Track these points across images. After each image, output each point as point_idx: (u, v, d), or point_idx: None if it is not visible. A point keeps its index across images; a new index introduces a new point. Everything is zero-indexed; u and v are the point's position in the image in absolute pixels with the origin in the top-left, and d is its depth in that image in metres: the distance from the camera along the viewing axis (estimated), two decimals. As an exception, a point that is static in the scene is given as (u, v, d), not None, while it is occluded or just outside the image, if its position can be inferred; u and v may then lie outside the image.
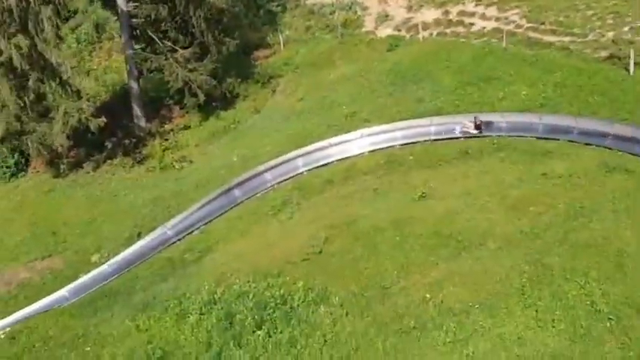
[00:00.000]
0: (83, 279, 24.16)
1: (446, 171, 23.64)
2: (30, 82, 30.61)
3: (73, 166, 32.58)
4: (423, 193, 22.07)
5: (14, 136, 31.05)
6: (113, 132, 34.32)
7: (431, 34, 36.18)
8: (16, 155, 32.97)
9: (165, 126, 35.82)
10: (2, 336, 21.62)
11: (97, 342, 19.90)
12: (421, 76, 31.33)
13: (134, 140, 34.20)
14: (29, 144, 30.52)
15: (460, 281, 17.06)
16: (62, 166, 32.32)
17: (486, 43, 33.43)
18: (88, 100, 31.73)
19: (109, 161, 32.79)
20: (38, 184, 31.68)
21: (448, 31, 35.86)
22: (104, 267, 24.41)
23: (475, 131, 26.21)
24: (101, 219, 27.65)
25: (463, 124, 26.53)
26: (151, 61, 34.87)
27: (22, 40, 28.81)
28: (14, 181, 32.87)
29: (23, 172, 33.31)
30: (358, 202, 23.38)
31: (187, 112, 36.42)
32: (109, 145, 33.71)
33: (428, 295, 16.77)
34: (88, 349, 19.42)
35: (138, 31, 35.01)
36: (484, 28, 35.25)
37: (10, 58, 29.51)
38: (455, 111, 27.27)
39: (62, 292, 23.73)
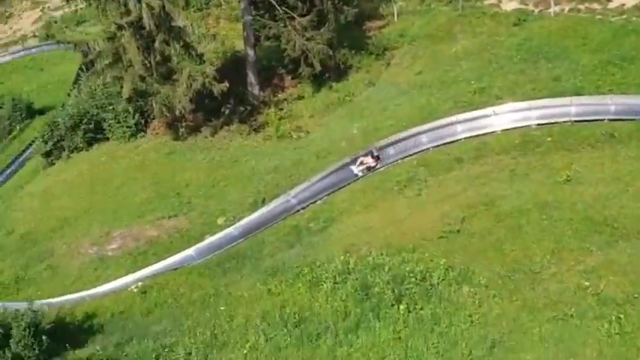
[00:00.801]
0: (209, 240, 24.49)
1: (591, 154, 22.51)
2: (156, 44, 31.06)
3: (191, 130, 32.99)
4: (568, 176, 21.09)
5: (139, 97, 31.63)
6: (227, 99, 34.58)
7: (562, 10, 34.49)
8: (136, 116, 33.68)
9: (278, 95, 35.75)
10: (135, 290, 22.17)
11: (229, 302, 20.10)
12: (555, 53, 29.93)
13: (248, 108, 34.31)
14: (153, 105, 31.04)
15: (620, 270, 16.16)
16: (181, 130, 32.76)
17: (627, 20, 31.64)
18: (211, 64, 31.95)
19: (225, 127, 33.02)
20: (158, 146, 32.25)
21: (582, 7, 34.04)
22: (230, 230, 24.66)
23: (374, 163, 25.73)
24: (224, 183, 27.91)
25: (360, 160, 25.78)
26: (269, 28, 34.64)
27: (154, 0, 29.17)
28: (133, 141, 33.58)
29: (142, 133, 34.00)
30: (494, 182, 22.59)
31: (300, 83, 36.28)
32: (225, 111, 33.97)
33: (586, 283, 15.98)
34: (223, 308, 19.59)
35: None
36: (623, 5, 33.27)
37: (139, 19, 30.06)
38: (597, 92, 25.87)
39: (189, 251, 24.13)
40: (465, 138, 26.36)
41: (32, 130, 42.40)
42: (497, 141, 25.58)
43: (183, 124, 32.94)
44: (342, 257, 19.98)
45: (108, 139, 34.76)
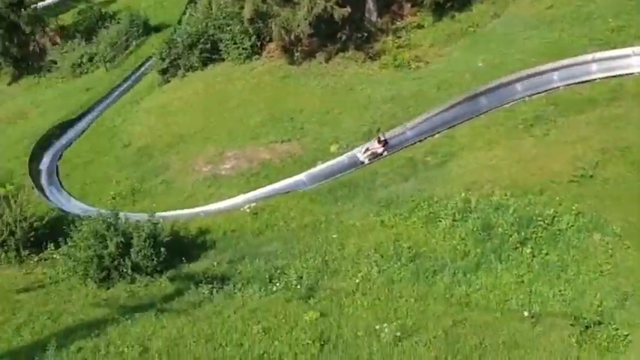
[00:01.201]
0: (321, 167, 24.24)
1: None
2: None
3: (306, 55, 32.37)
4: None
5: (258, 18, 31.11)
6: (344, 25, 33.57)
7: None
8: (253, 38, 33.35)
9: (397, 23, 34.33)
10: (247, 210, 22.29)
11: (340, 230, 19.82)
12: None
13: (365, 35, 33.20)
14: (272, 27, 30.52)
15: None
16: (297, 54, 32.18)
17: None
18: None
19: (341, 54, 32.17)
20: (273, 69, 31.88)
21: None
22: (343, 158, 24.24)
23: (382, 149, 23.99)
24: (338, 110, 27.33)
25: (366, 147, 24.14)
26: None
27: None
28: (248, 63, 33.36)
29: (257, 56, 33.70)
30: (631, 126, 20.84)
31: (420, 11, 34.70)
32: (341, 37, 33.04)
33: None
34: (335, 236, 19.35)
35: None
36: None
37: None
38: None
39: (301, 176, 24.02)
40: (600, 78, 24.39)
41: (149, 47, 43.01)
42: (635, 83, 23.50)
43: (299, 49, 32.35)
44: (462, 194, 19.16)
45: (223, 59, 34.73)
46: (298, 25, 29.95)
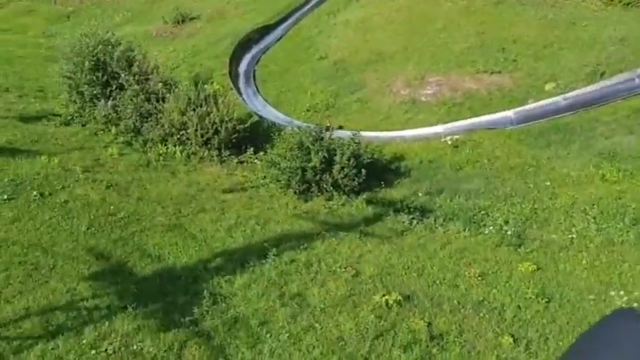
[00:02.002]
0: (532, 106, 22.45)
1: None
2: None
3: (522, -20, 29.93)
4: None
5: None
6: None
7: None
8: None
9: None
10: (449, 142, 21.24)
11: (552, 178, 18.33)
12: None
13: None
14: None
15: None
16: (512, -21, 29.84)
17: None
18: None
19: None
20: (487, -7, 29.82)
21: None
22: (558, 99, 22.28)
23: None
24: (557, 46, 25.03)
25: None
26: None
27: None
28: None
29: (466, -24, 31.68)
30: None
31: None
32: (563, -36, 30.10)
33: None
34: (547, 183, 17.90)
35: None
36: None
37: None
38: None
39: (508, 113, 22.42)
40: None
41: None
42: None
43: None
44: None
45: (428, -22, 33.11)
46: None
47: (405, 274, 13.19)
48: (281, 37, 33.26)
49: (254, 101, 27.36)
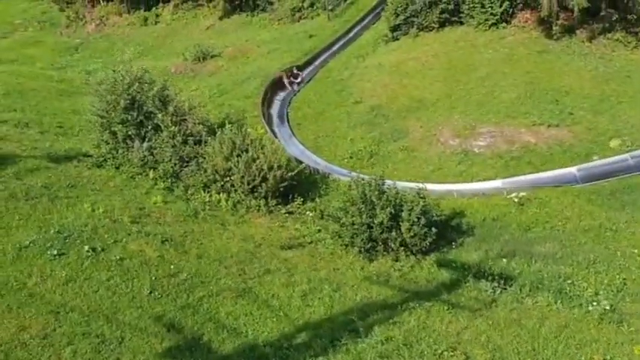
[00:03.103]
0: (597, 163, 21.24)
1: None
2: None
3: (564, 31, 29.04)
4: None
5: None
6: (608, 2, 29.74)
7: None
8: (505, 3, 30.42)
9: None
10: (515, 199, 19.86)
11: (635, 245, 16.95)
12: None
13: (634, 17, 29.19)
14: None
15: None
16: (555, 28, 28.92)
17: None
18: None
19: (607, 34, 28.50)
20: (527, 41, 28.93)
21: None
22: (625, 156, 21.11)
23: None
24: (615, 100, 24.02)
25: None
26: None
27: None
28: (494, 30, 30.63)
29: (504, 24, 30.80)
30: None
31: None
32: (606, 16, 29.30)
33: None
34: (635, 250, 16.50)
35: None
36: None
37: None
38: None
39: (572, 169, 21.21)
40: None
41: (368, -1, 41.40)
42: None
43: (558, 22, 29.03)
44: None
45: (461, 23, 32.26)
46: (578, -4, 26.76)
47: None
48: (310, 79, 32.06)
49: (290, 146, 25.93)
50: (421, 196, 17.78)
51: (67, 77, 36.60)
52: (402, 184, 19.15)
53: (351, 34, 37.62)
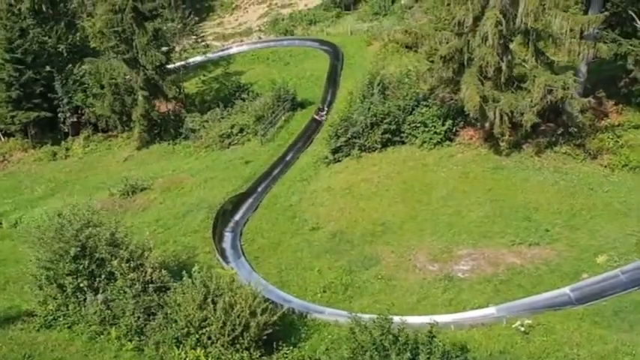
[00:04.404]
0: (589, 281, 20.44)
1: None
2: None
3: (512, 146, 29.16)
4: None
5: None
6: (545, 115, 30.42)
7: None
8: (448, 122, 30.51)
9: (604, 121, 31.03)
10: (521, 328, 18.49)
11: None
12: None
13: (574, 129, 29.72)
14: (493, 112, 27.38)
15: None
16: (502, 144, 28.98)
17: None
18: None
19: (554, 148, 28.79)
20: (477, 158, 28.66)
21: None
22: (616, 272, 20.45)
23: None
24: (587, 214, 23.70)
25: None
26: (619, 45, 29.78)
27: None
28: (439, 149, 30.38)
29: (449, 142, 30.74)
30: None
31: (625, 109, 31.54)
32: (548, 129, 29.88)
33: None
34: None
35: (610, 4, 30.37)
36: None
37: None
38: None
39: (564, 290, 20.28)
40: None
41: (296, 122, 40.92)
42: None
43: (504, 138, 29.18)
44: None
45: (403, 142, 32.01)
46: (521, 113, 26.99)
47: None
48: (257, 207, 30.32)
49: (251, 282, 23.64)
50: (433, 335, 16.09)
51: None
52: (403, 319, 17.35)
53: (287, 158, 36.64)
